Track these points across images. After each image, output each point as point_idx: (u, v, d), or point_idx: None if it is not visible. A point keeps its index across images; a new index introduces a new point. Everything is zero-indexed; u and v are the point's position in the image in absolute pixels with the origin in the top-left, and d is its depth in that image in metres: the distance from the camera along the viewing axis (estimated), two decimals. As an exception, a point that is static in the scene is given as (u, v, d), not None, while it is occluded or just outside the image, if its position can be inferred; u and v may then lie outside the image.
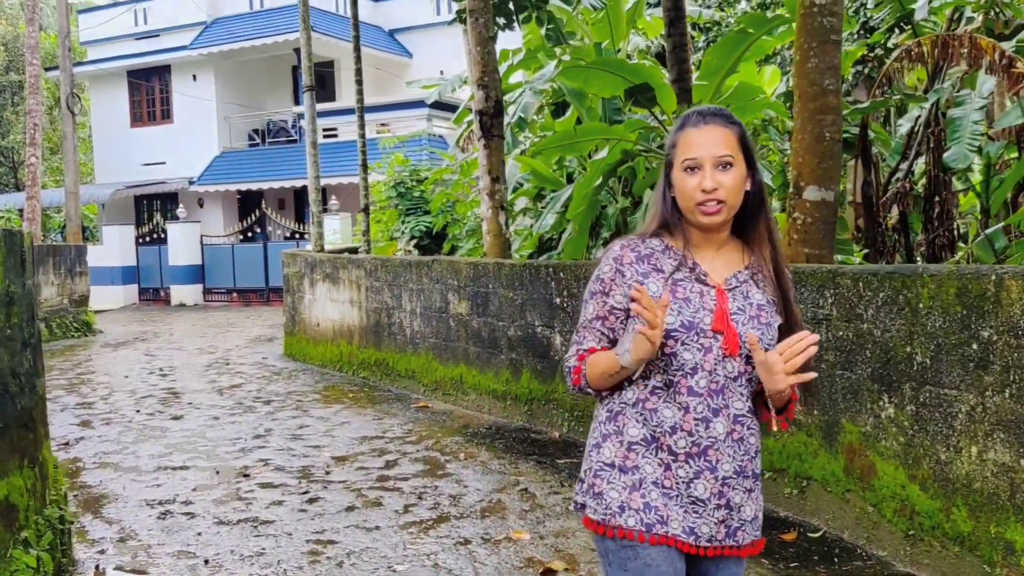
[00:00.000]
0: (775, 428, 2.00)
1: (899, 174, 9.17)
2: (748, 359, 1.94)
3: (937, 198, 8.84)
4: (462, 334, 8.01)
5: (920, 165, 9.50)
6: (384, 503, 5.24)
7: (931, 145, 8.81)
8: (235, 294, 21.80)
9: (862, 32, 13.73)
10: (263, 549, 4.53)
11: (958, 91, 8.90)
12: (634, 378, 1.97)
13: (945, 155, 8.13)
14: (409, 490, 5.49)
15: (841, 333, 4.35)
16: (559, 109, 12.44)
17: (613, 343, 2.01)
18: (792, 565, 4.08)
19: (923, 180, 9.33)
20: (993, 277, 3.49)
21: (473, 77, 8.06)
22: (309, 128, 11.81)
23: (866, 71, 13.04)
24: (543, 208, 10.71)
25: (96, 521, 5.09)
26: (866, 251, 8.78)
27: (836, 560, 4.11)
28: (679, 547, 1.95)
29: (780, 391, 1.87)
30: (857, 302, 4.24)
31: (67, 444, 7.06)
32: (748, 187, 1.97)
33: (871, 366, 4.16)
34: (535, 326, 7.13)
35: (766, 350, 1.90)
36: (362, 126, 11.36)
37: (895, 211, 9.42)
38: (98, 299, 20.32)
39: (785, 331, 1.99)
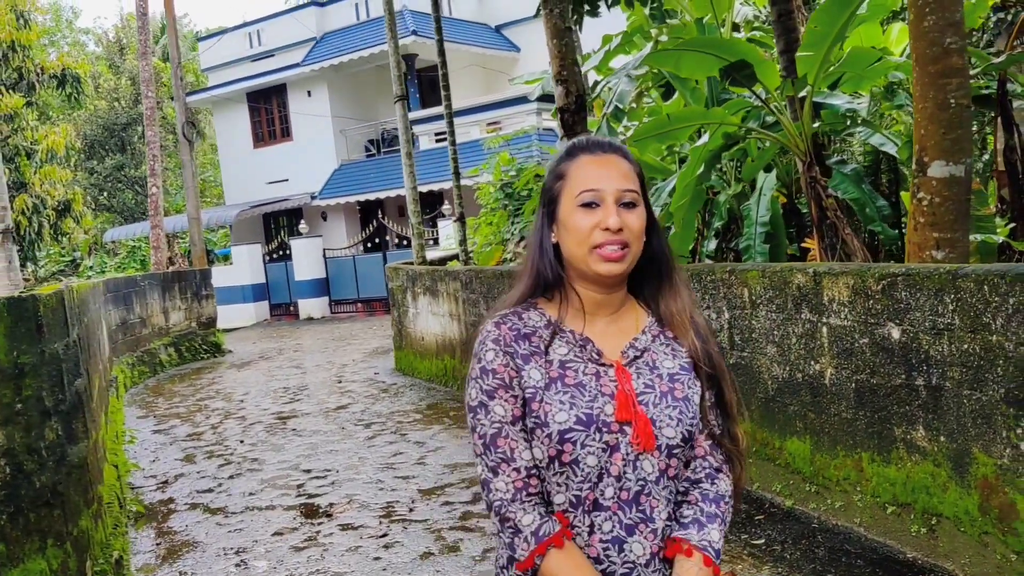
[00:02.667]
0: None
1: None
2: (671, 452, 1.54)
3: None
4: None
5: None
6: (462, 548, 4.85)
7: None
8: (359, 304, 22.06)
9: (1002, -27, 12.39)
10: (326, 610, 4.22)
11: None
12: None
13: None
14: (491, 530, 5.08)
15: (966, 346, 3.63)
16: (669, 91, 11.78)
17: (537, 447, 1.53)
18: (918, 629, 3.42)
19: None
20: None
21: (552, 72, 7.56)
22: (403, 139, 11.61)
23: (1009, 17, 11.72)
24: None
25: (172, 575, 4.93)
26: (1012, 226, 7.75)
27: (974, 622, 3.42)
28: None
29: None
30: (984, 309, 3.51)
31: (165, 483, 7.03)
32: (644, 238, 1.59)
33: (1004, 386, 3.43)
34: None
35: (691, 426, 1.55)
36: (452, 132, 11.05)
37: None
38: (231, 318, 20.96)
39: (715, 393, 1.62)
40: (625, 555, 1.52)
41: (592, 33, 12.71)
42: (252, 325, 22.30)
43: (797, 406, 4.83)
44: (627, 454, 1.51)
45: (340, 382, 11.47)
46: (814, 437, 4.72)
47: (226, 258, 24.40)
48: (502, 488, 1.52)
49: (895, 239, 7.59)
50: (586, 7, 9.11)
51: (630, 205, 1.56)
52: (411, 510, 5.65)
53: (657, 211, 9.22)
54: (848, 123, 8.69)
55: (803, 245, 8.50)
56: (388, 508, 5.74)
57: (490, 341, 1.58)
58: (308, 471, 6.93)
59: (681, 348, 1.63)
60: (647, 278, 1.65)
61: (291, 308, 23.00)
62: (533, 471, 1.52)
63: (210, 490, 6.69)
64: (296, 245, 22.43)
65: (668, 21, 10.82)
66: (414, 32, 21.66)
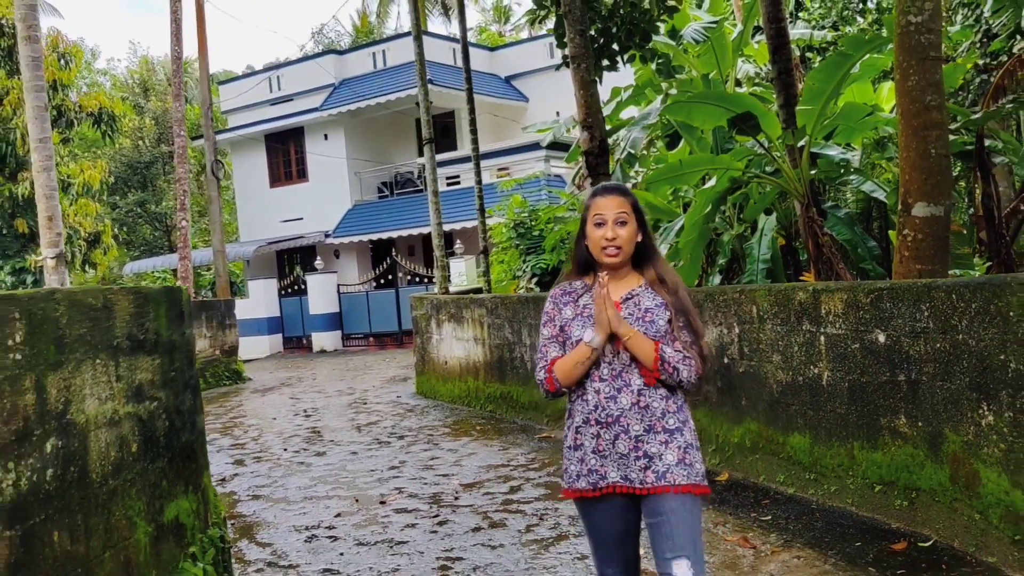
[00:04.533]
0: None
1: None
2: None
3: (1078, 206, 8.59)
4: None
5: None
6: (508, 524, 5.59)
7: (1065, 152, 8.56)
8: (371, 338, 22.80)
9: (985, 40, 13.41)
10: (398, 566, 4.95)
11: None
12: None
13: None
14: (531, 512, 5.83)
15: (938, 345, 4.44)
16: (673, 140, 12.70)
17: (564, 351, 2.82)
18: (899, 572, 4.18)
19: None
20: (1077, 281, 3.56)
21: (578, 119, 8.46)
22: (430, 179, 12.48)
23: (992, 79, 12.74)
24: (658, 239, 10.93)
25: (251, 545, 5.66)
26: (989, 264, 8.60)
27: (944, 567, 4.18)
28: (623, 491, 2.70)
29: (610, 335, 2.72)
30: (952, 314, 4.33)
31: (223, 480, 7.75)
32: (639, 239, 2.81)
33: (968, 375, 4.24)
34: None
35: (654, 335, 2.73)
36: (478, 173, 11.94)
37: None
38: (247, 350, 21.67)
39: (686, 320, 2.82)
40: (618, 404, 2.73)
41: (602, 86, 13.63)
42: (266, 357, 23.01)
43: (798, 406, 5.62)
44: (613, 349, 2.75)
45: (365, 403, 12.20)
46: (813, 432, 5.51)
47: (242, 293, 25.15)
48: (538, 368, 2.86)
49: (883, 276, 8.40)
50: (605, 62, 10.03)
51: (623, 223, 2.77)
52: (456, 499, 6.40)
53: (665, 249, 10.08)
54: (842, 171, 9.61)
55: (801, 279, 9.33)
56: (435, 497, 6.48)
57: (549, 296, 2.93)
58: (354, 471, 7.66)
59: (658, 296, 2.82)
60: (643, 260, 2.87)
61: (304, 341, 23.73)
62: (555, 361, 2.82)
63: (267, 486, 7.41)
64: (311, 280, 23.25)
65: (676, 76, 11.73)
66: (430, 80, 22.66)
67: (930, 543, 4.49)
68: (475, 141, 12.01)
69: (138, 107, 31.63)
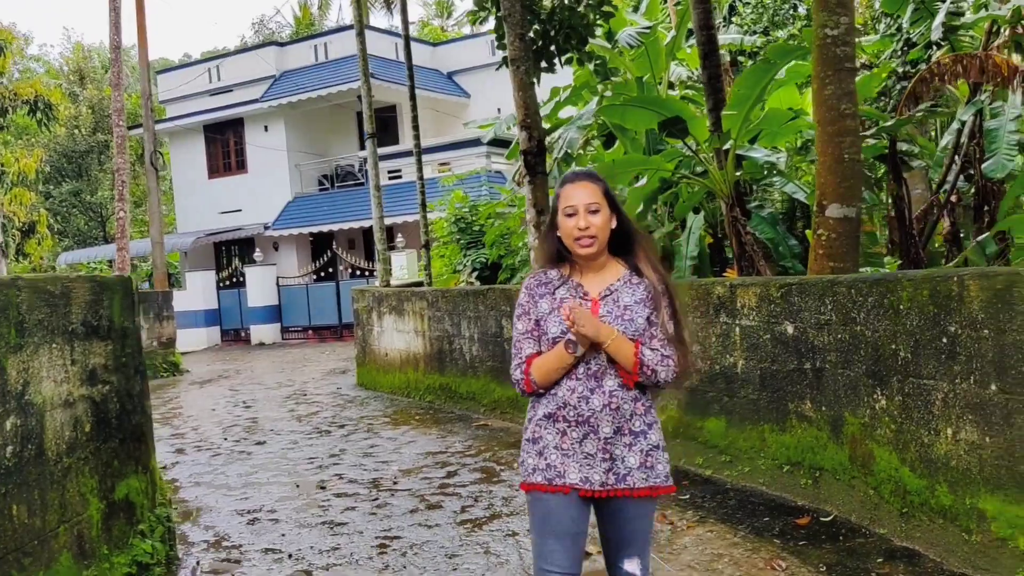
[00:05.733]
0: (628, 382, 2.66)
1: (947, 186, 9.48)
2: None
3: (986, 207, 9.13)
4: (515, 356, 8.63)
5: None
6: (444, 506, 5.88)
7: (977, 156, 9.08)
8: (311, 331, 22.84)
9: (905, 48, 14.06)
10: (338, 545, 5.20)
11: (992, 103, 9.24)
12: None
13: (983, 165, 8.48)
14: (466, 495, 6.12)
15: (840, 335, 4.86)
16: (609, 140, 13.09)
17: (540, 346, 2.71)
18: (801, 543, 4.58)
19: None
20: (956, 279, 3.98)
21: (517, 119, 8.76)
22: (372, 172, 12.67)
23: (910, 87, 13.38)
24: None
25: (194, 528, 5.84)
26: (899, 263, 9.15)
27: (841, 538, 4.60)
28: (580, 493, 2.63)
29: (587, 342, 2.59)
30: (851, 307, 4.75)
31: (165, 468, 7.86)
32: (613, 225, 2.69)
33: (865, 364, 4.66)
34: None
35: (633, 334, 2.63)
36: (420, 168, 12.17)
37: (947, 222, 9.74)
38: (184, 341, 21.50)
39: (670, 303, 2.71)
40: (590, 405, 2.63)
41: (542, 86, 13.92)
42: (204, 349, 22.88)
43: (715, 392, 6.02)
44: (593, 349, 2.62)
45: (305, 395, 12.36)
46: (728, 416, 5.91)
47: (179, 284, 24.93)
48: (513, 366, 2.73)
49: (803, 273, 8.87)
50: (544, 64, 10.35)
51: (595, 211, 2.65)
52: (395, 483, 6.66)
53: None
54: (766, 173, 10.09)
55: (724, 275, 9.78)
56: (375, 482, 6.73)
57: (524, 287, 2.78)
58: (295, 459, 7.86)
59: (640, 289, 2.68)
60: (624, 246, 2.76)
61: (242, 333, 23.65)
62: (530, 358, 2.70)
63: (208, 473, 7.57)
64: (250, 272, 23.17)
65: (612, 79, 12.11)
66: (372, 75, 22.73)
67: (831, 518, 4.91)
68: (417, 136, 12.25)
69: (73, 95, 31.01)
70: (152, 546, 4.21)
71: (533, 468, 2.68)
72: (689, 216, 10.23)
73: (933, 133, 13.50)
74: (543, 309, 2.70)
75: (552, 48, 10.76)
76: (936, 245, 10.26)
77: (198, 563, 5.03)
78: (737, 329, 5.76)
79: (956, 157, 9.29)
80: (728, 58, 15.42)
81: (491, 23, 11.46)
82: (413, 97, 12.11)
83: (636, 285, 2.70)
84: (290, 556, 5.05)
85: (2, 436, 3.20)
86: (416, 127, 12.19)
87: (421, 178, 12.31)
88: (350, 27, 21.71)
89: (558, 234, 2.72)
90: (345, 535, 5.38)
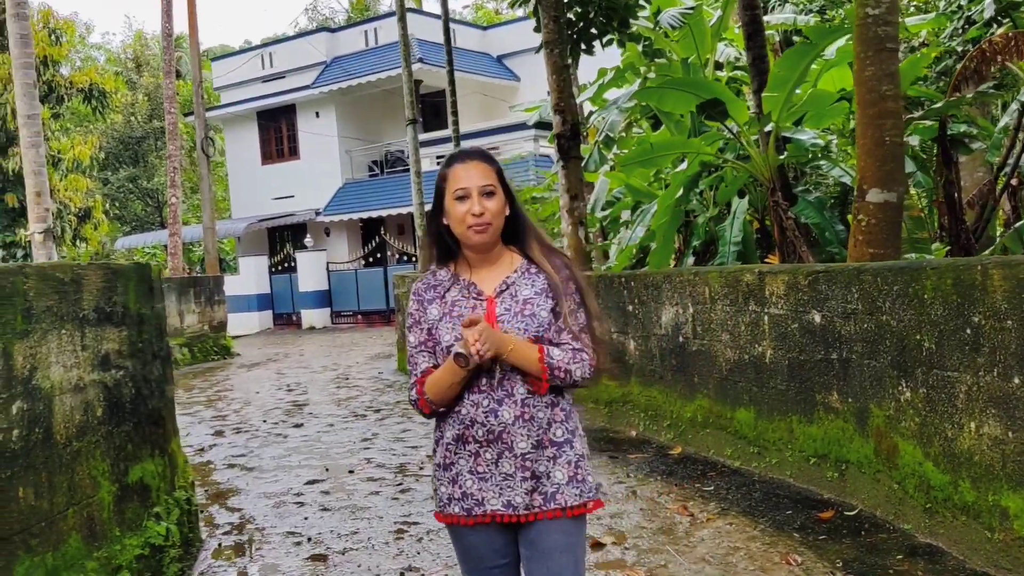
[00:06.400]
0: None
1: (1007, 168, 9.15)
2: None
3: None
4: (549, 343, 8.59)
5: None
6: (466, 492, 5.87)
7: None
8: (359, 316, 23.09)
9: (965, 26, 13.60)
10: (358, 529, 5.23)
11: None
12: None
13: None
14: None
15: (866, 325, 4.70)
16: (658, 122, 12.90)
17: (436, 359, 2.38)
18: (821, 538, 4.46)
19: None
20: (979, 267, 3.82)
21: (551, 103, 8.68)
22: (413, 158, 12.68)
23: (961, 66, 12.95)
24: (636, 221, 11.16)
25: (221, 510, 5.93)
26: (948, 249, 8.85)
27: (863, 533, 4.46)
28: (503, 520, 2.31)
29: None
30: (877, 296, 4.59)
31: (202, 450, 8.02)
32: (507, 212, 2.37)
33: (890, 354, 4.50)
34: (611, 333, 7.64)
35: (536, 331, 2.31)
36: (459, 153, 12.13)
37: (1008, 206, 9.41)
38: (236, 325, 21.93)
39: (579, 300, 2.40)
40: (499, 418, 2.28)
41: (590, 66, 13.80)
42: (256, 333, 23.28)
43: (744, 382, 5.90)
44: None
45: (347, 379, 12.48)
46: (757, 407, 5.79)
47: (232, 269, 25.37)
48: (409, 384, 2.40)
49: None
50: (583, 47, 10.23)
51: (490, 194, 2.30)
52: (421, 468, 6.68)
53: (642, 231, 10.32)
54: (811, 156, 9.84)
55: (765, 261, 9.58)
56: (402, 467, 6.75)
57: (412, 293, 2.44)
58: (328, 443, 7.93)
59: (540, 279, 2.36)
60: (516, 234, 2.41)
61: (294, 318, 24.00)
62: (426, 375, 2.35)
63: (243, 455, 7.69)
64: (301, 258, 23.48)
65: (656, 60, 11.92)
66: (421, 60, 22.83)
67: (855, 512, 4.78)
68: (455, 122, 12.23)
69: (131, 82, 31.72)
70: (167, 528, 4.28)
71: (448, 498, 2.36)
72: (734, 200, 10.03)
73: (997, 112, 13.04)
74: (433, 315, 2.37)
75: (592, 30, 10.64)
76: (997, 231, 9.93)
77: (220, 545, 5.11)
78: (766, 318, 5.63)
79: (1019, 138, 8.95)
80: (777, 39, 15.10)
81: (531, 7, 11.38)
82: (452, 82, 12.08)
83: (535, 275, 2.38)
84: (309, 540, 5.09)
85: (8, 420, 3.26)
86: (455, 112, 12.17)
87: (461, 163, 12.28)
88: (408, 10, 21.75)
89: (445, 222, 2.37)
90: (365, 520, 5.41)
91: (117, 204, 29.66)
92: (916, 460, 4.33)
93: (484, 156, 2.39)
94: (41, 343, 3.49)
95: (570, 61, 10.24)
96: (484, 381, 2.30)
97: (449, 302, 2.37)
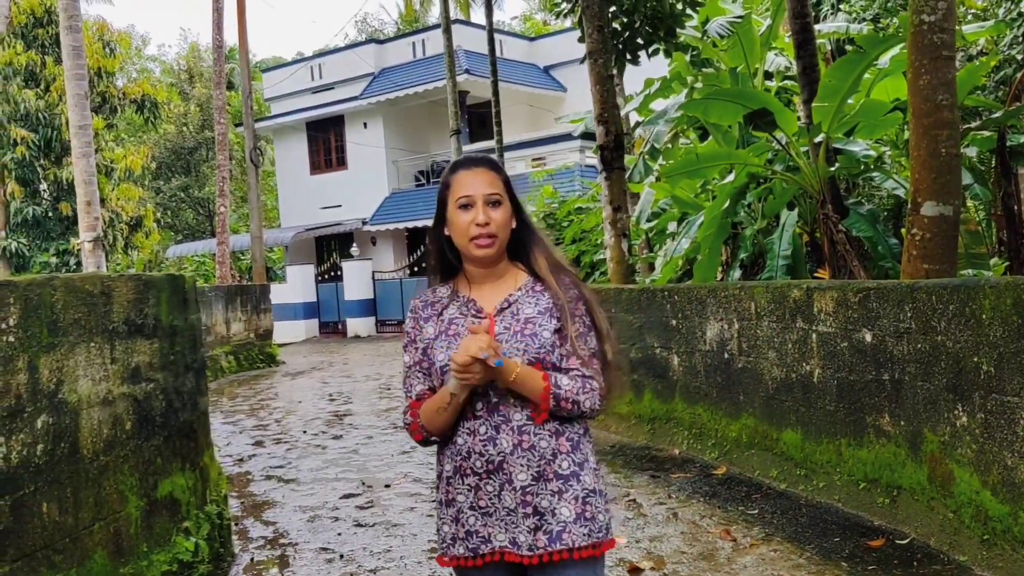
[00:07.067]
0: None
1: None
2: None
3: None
4: (591, 357, 8.43)
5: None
6: (502, 510, 5.74)
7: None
8: (404, 325, 23.12)
9: (1029, 36, 13.20)
10: (391, 547, 5.13)
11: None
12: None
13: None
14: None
15: (919, 345, 4.49)
16: (706, 133, 12.70)
17: (433, 382, 2.21)
18: (870, 568, 4.25)
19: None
20: (1043, 286, 3.60)
21: (594, 114, 8.56)
22: (457, 168, 12.62)
23: (1021, 75, 12.53)
24: (682, 232, 10.96)
25: (256, 523, 5.88)
26: (1007, 264, 8.53)
27: (915, 564, 4.24)
28: (512, 559, 2.11)
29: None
30: (932, 315, 4.38)
31: (241, 460, 8.02)
32: (514, 225, 2.20)
33: (946, 376, 4.29)
34: (654, 348, 7.47)
35: (537, 353, 2.12)
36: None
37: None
38: (283, 333, 22.11)
39: (590, 321, 2.22)
40: (497, 447, 2.09)
41: (637, 76, 13.65)
42: (302, 341, 23.44)
43: (791, 402, 5.69)
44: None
45: (389, 389, 12.44)
46: (804, 428, 5.58)
47: (279, 279, 25.60)
48: (404, 405, 2.25)
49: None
50: (627, 57, 10.09)
51: (496, 204, 2.14)
52: (458, 484, 6.56)
53: (687, 243, 10.12)
54: (863, 168, 9.56)
55: (815, 275, 9.33)
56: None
57: (409, 311, 2.30)
58: (366, 455, 7.87)
59: (545, 298, 2.18)
60: (523, 249, 2.24)
61: (339, 326, 24.12)
62: (420, 399, 2.20)
63: (281, 466, 7.66)
64: (347, 267, 23.61)
65: (704, 69, 11.73)
66: (467, 71, 22.86)
67: (907, 540, 4.55)
68: (499, 132, 12.17)
69: (184, 93, 32.29)
70: (196, 544, 4.22)
71: (452, 538, 2.17)
72: (783, 212, 9.79)
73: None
74: (428, 334, 2.20)
75: (638, 40, 10.50)
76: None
77: (252, 560, 5.05)
78: (814, 335, 5.42)
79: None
80: (830, 47, 14.79)
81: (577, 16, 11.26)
82: (496, 92, 12.02)
83: (540, 293, 2.20)
84: (341, 557, 5.01)
85: (32, 434, 3.22)
86: (499, 123, 12.09)
87: (505, 174, 12.20)
88: (452, 22, 21.80)
89: (447, 233, 2.20)
90: (399, 537, 5.31)
91: (169, 213, 30.19)
92: (973, 488, 4.11)
93: (491, 163, 2.22)
94: (68, 356, 3.46)
95: (615, 71, 10.12)
96: (479, 406, 2.12)
97: (446, 320, 2.20)
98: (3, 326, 3.13)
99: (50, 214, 17.41)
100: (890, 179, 9.47)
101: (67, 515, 3.38)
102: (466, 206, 2.13)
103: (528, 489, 2.08)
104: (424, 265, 23.15)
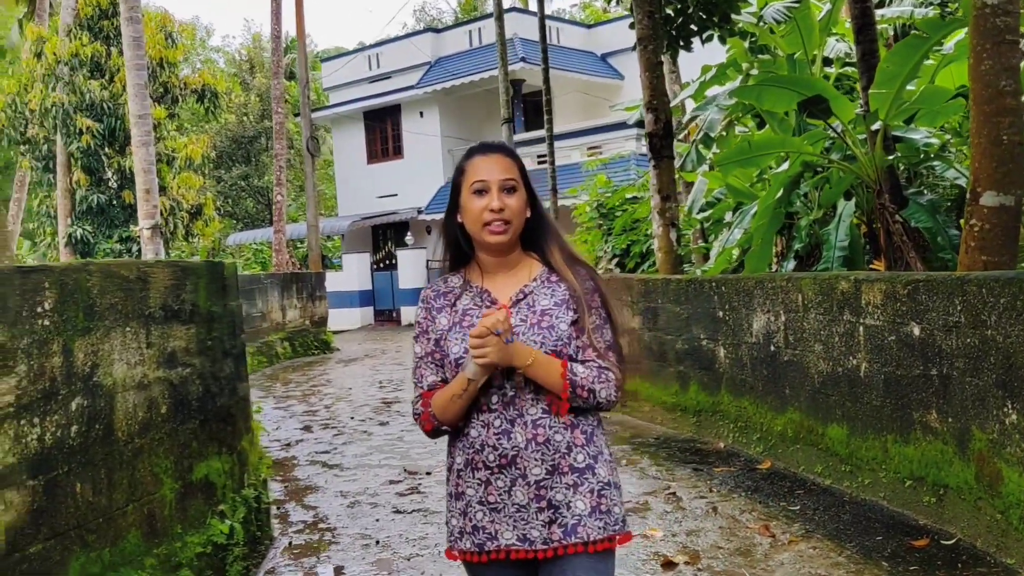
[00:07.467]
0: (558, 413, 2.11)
1: None
2: None
3: None
4: (635, 348, 8.36)
5: None
6: (540, 500, 5.72)
7: None
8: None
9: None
10: (427, 534, 5.15)
11: None
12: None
13: None
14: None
15: (969, 340, 4.33)
16: (764, 121, 12.45)
17: (444, 373, 2.18)
18: (912, 569, 4.12)
19: None
20: (1098, 279, 3.44)
21: (644, 101, 8.44)
22: (507, 157, 12.60)
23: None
24: (736, 222, 10.77)
25: (297, 507, 5.96)
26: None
27: (960, 566, 4.10)
28: (520, 556, 2.09)
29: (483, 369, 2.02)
30: (982, 308, 4.22)
31: (288, 444, 8.13)
32: (529, 214, 2.17)
33: (995, 372, 4.13)
34: (700, 339, 7.36)
35: (554, 346, 2.09)
36: (551, 153, 12.02)
37: None
38: (338, 321, 22.39)
39: (606, 314, 2.18)
40: (512, 441, 2.07)
41: (694, 63, 13.44)
42: (357, 328, 23.71)
43: (837, 396, 5.55)
44: (502, 370, 2.06)
45: (439, 378, 12.50)
46: (850, 423, 5.43)
47: (336, 267, 25.91)
48: (413, 395, 2.25)
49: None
50: (680, 43, 9.92)
51: (511, 190, 2.11)
52: (499, 473, 6.56)
53: (739, 234, 9.95)
54: (923, 157, 9.27)
55: (871, 267, 9.09)
56: (479, 471, 6.65)
57: (420, 300, 2.26)
58: (411, 442, 7.91)
59: (561, 289, 2.15)
60: (537, 239, 2.21)
61: (394, 314, 24.33)
62: (431, 390, 2.18)
63: (326, 452, 7.75)
64: (402, 255, 23.78)
65: (759, 56, 11.49)
66: (523, 59, 22.78)
67: (953, 541, 4.41)
68: (550, 121, 12.08)
69: (245, 84, 32.82)
70: (231, 527, 4.28)
71: (460, 531, 2.16)
72: (840, 202, 9.55)
73: None
74: (442, 325, 2.17)
75: (691, 26, 10.31)
76: None
77: (290, 544, 5.12)
78: (861, 329, 5.27)
79: None
80: (893, 33, 14.37)
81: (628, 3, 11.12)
82: (547, 80, 11.95)
83: (556, 284, 2.16)
84: (378, 543, 5.05)
85: (66, 416, 3.29)
86: (550, 111, 12.02)
87: (552, 163, 12.15)
88: (508, 10, 21.75)
89: (460, 220, 2.17)
90: (436, 524, 5.32)
91: (230, 201, 30.77)
92: (1022, 488, 3.95)
93: (506, 150, 2.19)
94: (104, 340, 3.52)
95: (667, 58, 9.97)
96: (495, 399, 2.09)
97: (460, 311, 2.17)
98: (39, 310, 3.20)
99: (114, 202, 17.85)
100: (952, 168, 9.17)
101: (101, 496, 3.44)
102: (480, 191, 2.11)
103: (543, 483, 2.07)
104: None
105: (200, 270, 4.34)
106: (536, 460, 2.07)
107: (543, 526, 2.07)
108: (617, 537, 2.12)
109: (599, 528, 2.08)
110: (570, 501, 2.07)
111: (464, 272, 2.23)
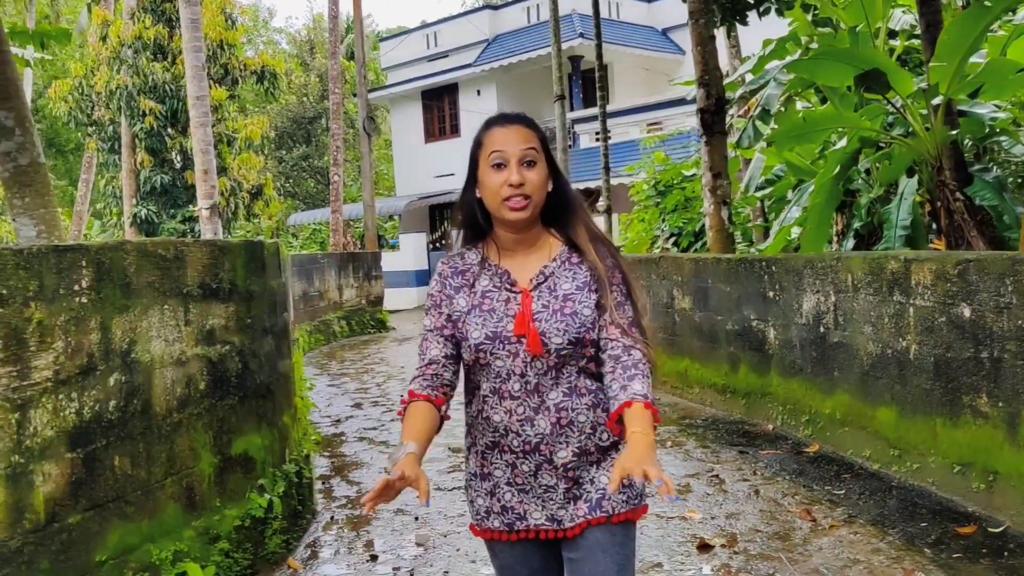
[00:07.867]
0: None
1: None
2: (559, 353, 2.04)
3: None
4: (686, 328, 8.26)
5: None
6: (581, 480, 5.71)
7: None
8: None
9: None
10: (464, 512, 5.17)
11: None
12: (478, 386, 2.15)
13: None
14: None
15: (1021, 322, 4.18)
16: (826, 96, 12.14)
17: (456, 346, 2.15)
18: (955, 556, 4.01)
19: None
20: None
21: (696, 76, 8.29)
22: (560, 135, 12.53)
23: None
24: (794, 200, 10.54)
25: (342, 483, 6.05)
26: None
27: (1006, 555, 3.98)
28: (548, 535, 2.11)
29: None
30: (1035, 289, 4.06)
31: (338, 421, 8.26)
32: (550, 188, 2.09)
33: (1048, 356, 3.98)
34: (750, 320, 7.24)
35: (578, 333, 2.03)
36: (604, 130, 11.91)
37: None
38: (396, 300, 22.60)
39: (626, 291, 2.12)
40: (535, 428, 2.05)
41: (756, 37, 13.16)
42: (414, 308, 23.90)
43: (886, 379, 5.41)
44: (525, 358, 2.03)
45: (491, 356, 12.54)
46: (899, 406, 5.29)
47: (394, 247, 26.13)
48: (417, 368, 2.20)
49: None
50: (736, 17, 9.71)
51: (531, 164, 2.03)
52: (542, 452, 6.56)
53: (797, 212, 9.74)
54: (989, 132, 8.93)
55: (931, 246, 8.82)
56: (523, 449, 6.67)
57: (436, 274, 2.19)
58: (457, 421, 7.94)
59: (582, 270, 2.08)
60: (558, 215, 2.13)
61: (450, 294, 24.49)
62: (433, 363, 2.15)
63: (375, 428, 7.85)
64: (456, 235, 23.87)
65: (820, 29, 11.18)
66: (581, 35, 22.57)
67: (1001, 529, 4.27)
68: (603, 97, 11.98)
69: (305, 64, 33.19)
70: (270, 501, 4.36)
71: (487, 511, 2.16)
72: (901, 180, 9.27)
73: None
74: (460, 306, 2.10)
75: (748, -1, 10.09)
76: None
77: (332, 518, 5.20)
78: (911, 310, 5.12)
79: None
80: (961, 3, 13.85)
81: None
82: (600, 56, 11.83)
83: (577, 265, 2.09)
84: (416, 519, 5.10)
85: (104, 391, 3.38)
86: (603, 87, 11.92)
87: (606, 140, 12.04)
88: (563, -13, 21.54)
89: (478, 194, 2.09)
90: (475, 503, 5.35)
91: (291, 182, 31.21)
92: (1073, 477, 3.81)
93: (527, 121, 2.09)
94: (141, 317, 3.60)
95: (723, 32, 9.76)
96: (517, 387, 2.06)
97: (479, 292, 2.11)
98: (76, 288, 3.28)
99: (177, 182, 18.28)
100: (1020, 144, 8.82)
101: (139, 469, 3.54)
102: (499, 164, 2.02)
103: (568, 466, 2.07)
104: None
105: (238, 249, 4.41)
106: (562, 443, 2.06)
107: (570, 503, 2.09)
108: (638, 510, 2.11)
109: (623, 501, 2.07)
110: (594, 477, 2.08)
111: (482, 248, 2.16)
